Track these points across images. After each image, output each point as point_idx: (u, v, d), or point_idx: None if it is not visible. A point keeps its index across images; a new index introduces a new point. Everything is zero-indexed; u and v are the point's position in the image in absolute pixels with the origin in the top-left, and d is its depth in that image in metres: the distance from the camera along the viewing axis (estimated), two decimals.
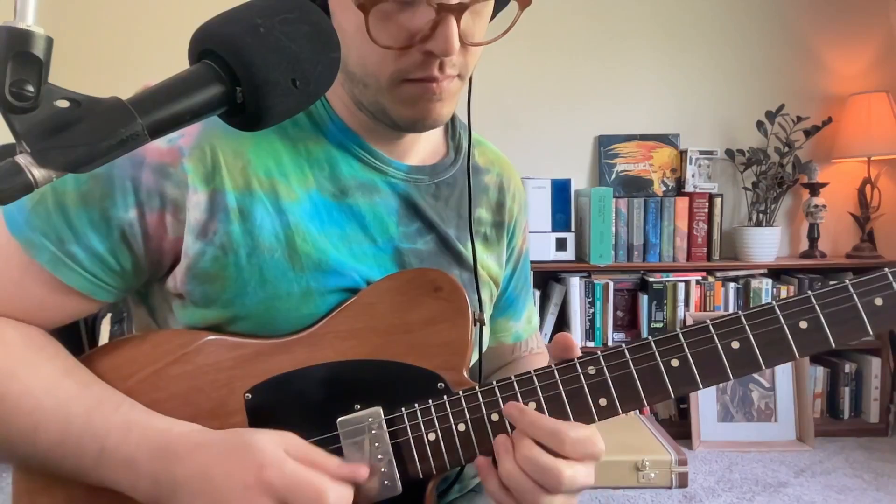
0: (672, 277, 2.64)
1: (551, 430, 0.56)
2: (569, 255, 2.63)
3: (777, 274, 2.74)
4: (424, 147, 0.73)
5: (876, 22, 2.86)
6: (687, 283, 2.63)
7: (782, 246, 2.85)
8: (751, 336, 0.58)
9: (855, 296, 0.57)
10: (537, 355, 0.88)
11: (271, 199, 0.62)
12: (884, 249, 2.79)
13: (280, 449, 0.55)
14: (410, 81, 0.59)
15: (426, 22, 0.55)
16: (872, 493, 2.14)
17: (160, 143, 0.59)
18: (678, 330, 0.59)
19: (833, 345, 0.57)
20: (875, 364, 2.65)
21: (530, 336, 0.89)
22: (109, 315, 0.94)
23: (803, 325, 0.57)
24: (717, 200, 2.71)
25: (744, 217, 2.85)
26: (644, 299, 2.66)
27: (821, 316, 0.57)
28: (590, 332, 2.66)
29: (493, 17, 0.65)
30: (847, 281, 0.57)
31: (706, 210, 2.71)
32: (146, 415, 0.58)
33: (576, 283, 2.63)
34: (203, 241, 0.60)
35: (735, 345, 0.58)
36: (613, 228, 2.66)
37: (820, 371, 2.70)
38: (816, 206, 2.72)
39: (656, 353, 0.59)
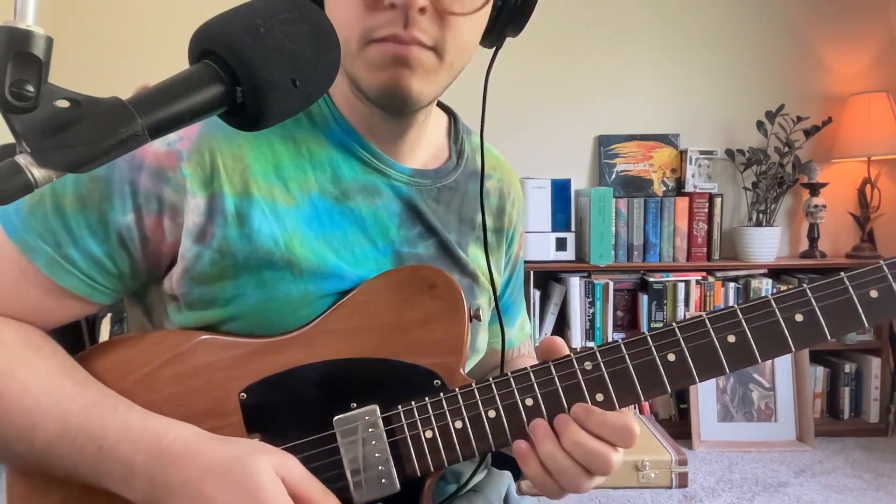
0: (672, 277, 2.64)
1: (621, 426, 0.57)
2: (569, 255, 2.63)
3: (777, 274, 2.74)
4: (427, 150, 0.73)
5: (876, 22, 2.86)
6: (687, 283, 2.63)
7: (782, 246, 2.85)
8: (747, 329, 0.58)
9: (850, 288, 0.57)
10: (527, 357, 0.89)
11: (270, 203, 0.62)
12: (884, 249, 2.79)
13: (281, 486, 0.54)
14: (377, 42, 0.58)
15: None
16: (872, 493, 2.14)
17: (159, 147, 0.59)
18: (674, 324, 0.59)
19: (829, 337, 0.57)
20: (875, 364, 2.65)
21: (522, 343, 0.90)
22: (109, 315, 0.94)
23: (799, 318, 0.57)
24: (717, 200, 2.71)
25: (744, 217, 2.85)
26: (644, 299, 2.66)
27: (816, 309, 0.57)
28: (590, 332, 2.66)
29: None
30: (842, 274, 0.58)
31: (706, 210, 2.71)
32: (144, 416, 0.58)
33: (576, 283, 2.63)
34: (200, 244, 0.60)
35: (731, 338, 0.58)
36: (613, 228, 2.66)
37: (820, 371, 2.70)
38: (816, 206, 2.73)
39: (652, 348, 0.59)
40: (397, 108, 0.64)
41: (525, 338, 0.91)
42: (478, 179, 0.76)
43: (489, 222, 0.78)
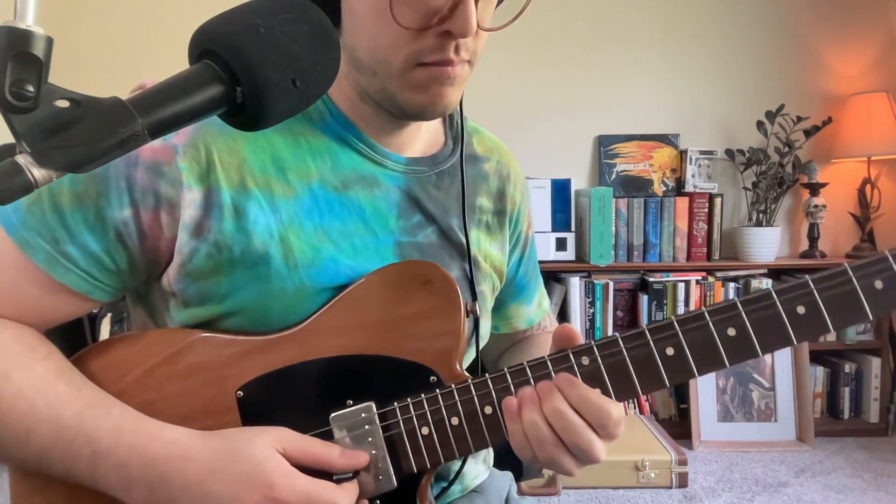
0: (672, 277, 2.64)
1: (599, 405, 0.56)
2: (569, 255, 2.63)
3: (777, 274, 2.74)
4: (423, 138, 0.73)
5: (876, 22, 2.86)
6: (687, 283, 2.63)
7: (782, 246, 2.85)
8: (747, 322, 0.57)
9: (854, 279, 0.56)
10: (549, 333, 0.89)
11: (267, 195, 0.62)
12: (884, 249, 2.78)
13: (284, 462, 0.55)
14: (424, 65, 0.60)
15: (445, 2, 0.56)
16: (872, 493, 2.14)
17: (154, 142, 0.59)
18: (673, 318, 0.58)
19: (832, 329, 0.56)
20: (875, 364, 2.65)
21: (542, 318, 0.90)
22: (109, 315, 0.94)
23: (801, 310, 0.56)
24: (717, 200, 2.71)
25: (744, 217, 2.85)
26: (644, 299, 2.66)
27: (819, 300, 0.56)
28: (590, 332, 2.66)
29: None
30: (846, 264, 0.57)
31: (706, 210, 2.71)
32: (136, 419, 0.58)
33: (576, 283, 2.63)
34: (197, 239, 0.60)
35: (731, 331, 0.57)
36: (613, 228, 2.66)
37: (820, 371, 2.70)
38: (816, 206, 2.73)
39: (650, 342, 0.58)
40: (428, 119, 0.66)
41: (544, 313, 0.91)
42: (476, 163, 0.78)
43: (488, 204, 0.78)
